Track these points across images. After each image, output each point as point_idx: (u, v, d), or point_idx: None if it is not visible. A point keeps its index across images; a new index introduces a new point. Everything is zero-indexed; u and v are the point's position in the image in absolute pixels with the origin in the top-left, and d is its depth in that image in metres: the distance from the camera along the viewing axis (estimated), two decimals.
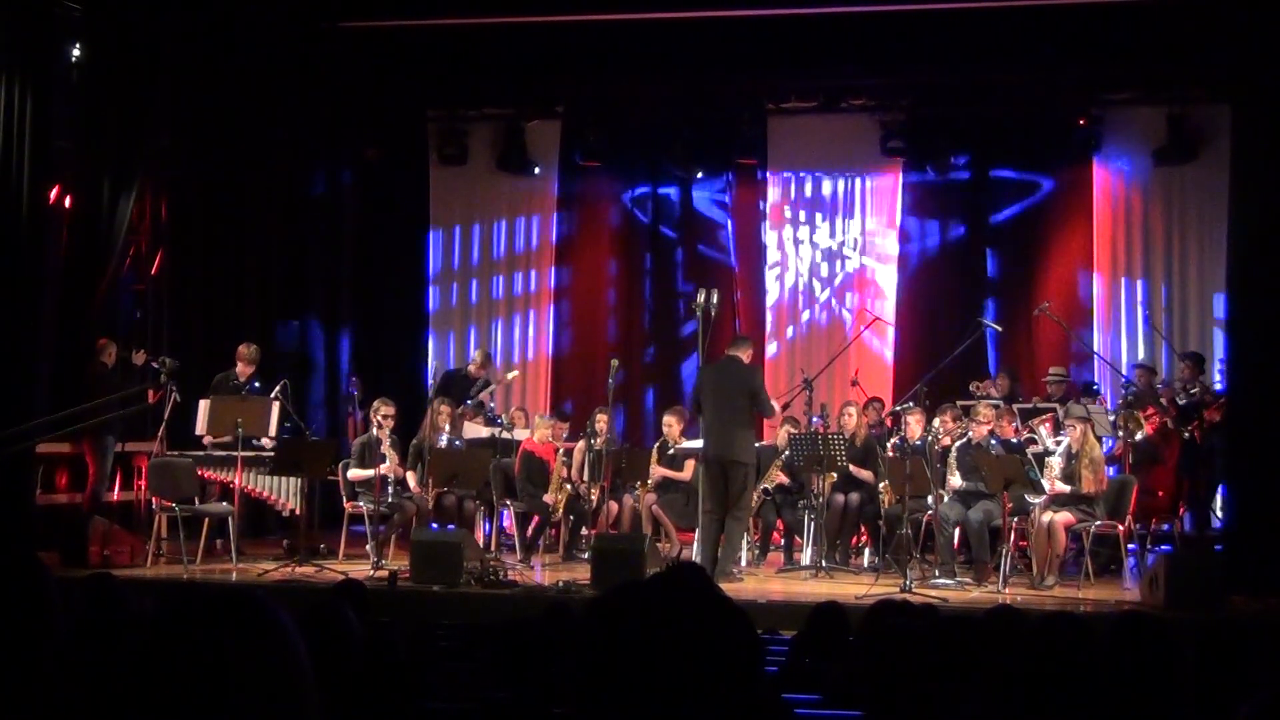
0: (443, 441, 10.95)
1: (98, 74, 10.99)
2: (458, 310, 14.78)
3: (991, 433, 9.93)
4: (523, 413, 12.84)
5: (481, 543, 10.62)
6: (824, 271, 14.18)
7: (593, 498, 11.04)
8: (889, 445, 10.57)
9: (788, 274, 14.23)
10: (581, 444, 11.42)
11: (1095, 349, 12.92)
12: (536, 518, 11.45)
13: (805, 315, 14.19)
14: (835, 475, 10.30)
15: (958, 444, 9.96)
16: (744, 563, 10.51)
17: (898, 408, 11.04)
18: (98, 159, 11.01)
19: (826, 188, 14.23)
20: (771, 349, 14.04)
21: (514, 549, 11.23)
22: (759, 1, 11.48)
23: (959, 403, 11.00)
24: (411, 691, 4.03)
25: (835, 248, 14.15)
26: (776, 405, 10.69)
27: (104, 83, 10.98)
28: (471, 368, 12.89)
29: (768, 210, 14.23)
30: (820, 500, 10.22)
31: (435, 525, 10.25)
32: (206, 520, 10.16)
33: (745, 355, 9.90)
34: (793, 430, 10.80)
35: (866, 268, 14.07)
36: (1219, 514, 11.27)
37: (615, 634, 1.50)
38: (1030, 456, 9.87)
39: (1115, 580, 9.71)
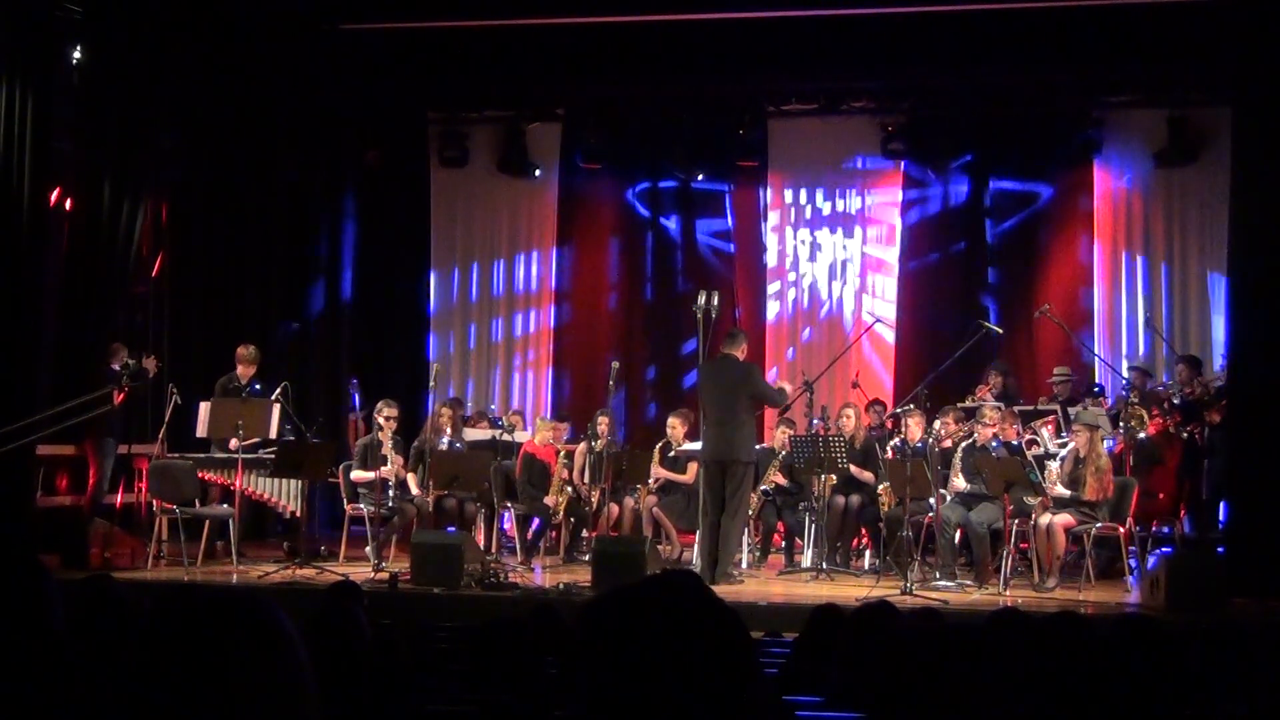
0: (444, 444, 10.95)
1: (98, 76, 10.99)
2: (458, 311, 14.78)
3: (995, 435, 9.92)
4: (521, 415, 12.83)
5: (482, 545, 10.61)
6: (825, 273, 14.17)
7: (593, 500, 11.04)
8: (889, 447, 10.57)
9: (788, 276, 14.23)
10: (582, 446, 11.41)
11: (1095, 351, 12.91)
12: (537, 520, 11.45)
13: (806, 317, 14.19)
14: (835, 477, 10.30)
15: (962, 445, 9.96)
16: (745, 565, 10.53)
17: (898, 410, 11.03)
18: (98, 162, 11.01)
19: (827, 190, 14.22)
20: (771, 351, 14.03)
21: (515, 551, 11.23)
22: (760, 3, 11.47)
23: (960, 405, 10.99)
24: (412, 693, 4.03)
25: (836, 249, 14.15)
26: (787, 387, 10.73)
27: (105, 85, 10.98)
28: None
29: (768, 212, 14.23)
30: (821, 502, 10.22)
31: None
32: (207, 522, 10.18)
33: (740, 351, 9.87)
34: (790, 432, 10.81)
35: (867, 270, 14.07)
36: (1221, 516, 11.25)
37: (609, 637, 1.49)
38: (1031, 459, 9.86)
39: (1116, 583, 9.69)
